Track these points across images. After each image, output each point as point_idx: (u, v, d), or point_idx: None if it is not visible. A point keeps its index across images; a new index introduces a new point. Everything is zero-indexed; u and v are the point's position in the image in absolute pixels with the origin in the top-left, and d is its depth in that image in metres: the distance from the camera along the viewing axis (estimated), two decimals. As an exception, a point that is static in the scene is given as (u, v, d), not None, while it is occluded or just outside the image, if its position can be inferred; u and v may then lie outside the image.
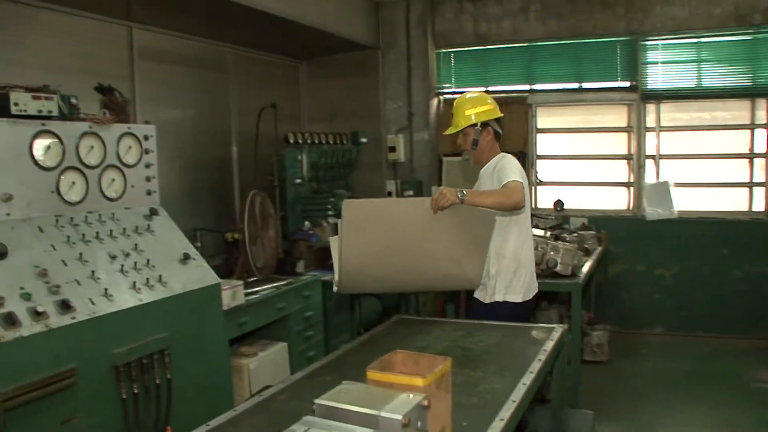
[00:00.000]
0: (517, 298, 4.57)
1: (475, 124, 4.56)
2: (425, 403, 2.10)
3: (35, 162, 4.08)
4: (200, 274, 4.71)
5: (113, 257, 4.24)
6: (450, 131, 4.72)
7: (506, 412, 2.75)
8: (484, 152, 4.66)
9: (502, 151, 4.75)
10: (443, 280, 4.35)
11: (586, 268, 6.00)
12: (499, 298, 4.55)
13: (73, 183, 4.32)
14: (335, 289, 4.17)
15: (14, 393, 3.34)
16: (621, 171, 8.68)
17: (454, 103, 4.66)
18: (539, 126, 8.86)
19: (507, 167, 4.40)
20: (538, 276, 5.54)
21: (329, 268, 6.47)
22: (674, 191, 8.31)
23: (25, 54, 5.33)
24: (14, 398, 3.33)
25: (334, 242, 4.22)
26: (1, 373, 3.27)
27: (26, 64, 5.23)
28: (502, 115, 4.74)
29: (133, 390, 4.01)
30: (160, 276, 4.38)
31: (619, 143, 8.66)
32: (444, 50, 9.06)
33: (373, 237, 3.85)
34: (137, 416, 4.07)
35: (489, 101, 4.66)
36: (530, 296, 4.67)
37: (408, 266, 4.06)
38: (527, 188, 4.39)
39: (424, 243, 3.97)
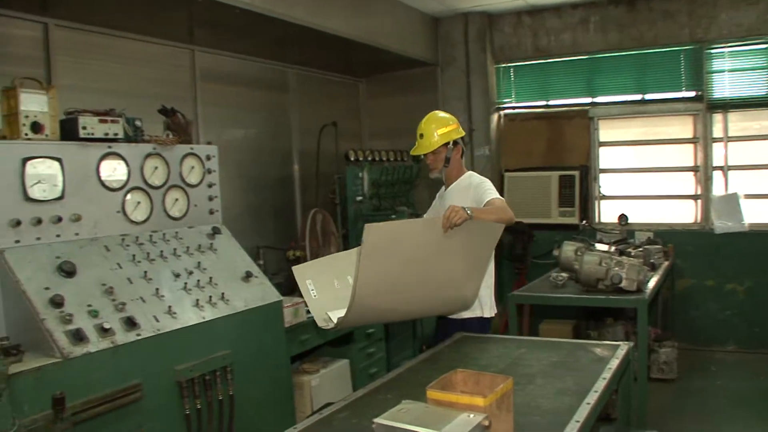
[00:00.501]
0: (492, 313, 4.62)
1: (447, 143, 4.54)
2: (486, 423, 2.07)
3: (102, 183, 4.20)
4: (262, 291, 4.76)
5: (177, 275, 4.32)
6: (422, 151, 4.63)
7: (569, 432, 2.69)
8: (454, 170, 4.68)
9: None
10: (441, 305, 4.30)
11: (652, 284, 5.85)
12: (487, 313, 4.58)
13: (138, 203, 4.42)
14: (328, 326, 3.83)
15: (82, 407, 3.42)
16: (687, 183, 8.45)
17: (422, 125, 4.63)
18: (601, 139, 8.71)
19: (486, 185, 4.44)
20: (602, 292, 5.47)
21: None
22: (744, 203, 8.05)
23: (91, 79, 5.52)
24: (83, 412, 3.41)
25: (301, 275, 3.97)
26: (70, 388, 3.34)
27: (92, 89, 5.39)
28: (464, 134, 4.74)
29: (196, 406, 4.07)
30: (223, 294, 4.44)
31: (685, 155, 8.44)
32: (503, 65, 9.01)
33: (389, 263, 3.57)
34: (200, 431, 4.12)
35: (453, 121, 4.66)
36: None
37: (414, 294, 3.87)
38: None
39: (431, 267, 3.80)
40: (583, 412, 2.87)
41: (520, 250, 8.64)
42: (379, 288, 3.56)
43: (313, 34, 6.39)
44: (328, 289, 3.93)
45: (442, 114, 4.72)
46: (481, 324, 4.55)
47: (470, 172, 4.72)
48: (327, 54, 7.67)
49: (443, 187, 4.81)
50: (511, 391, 2.41)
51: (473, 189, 4.43)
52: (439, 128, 4.54)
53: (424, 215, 5.08)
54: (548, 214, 8.67)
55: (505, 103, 9.08)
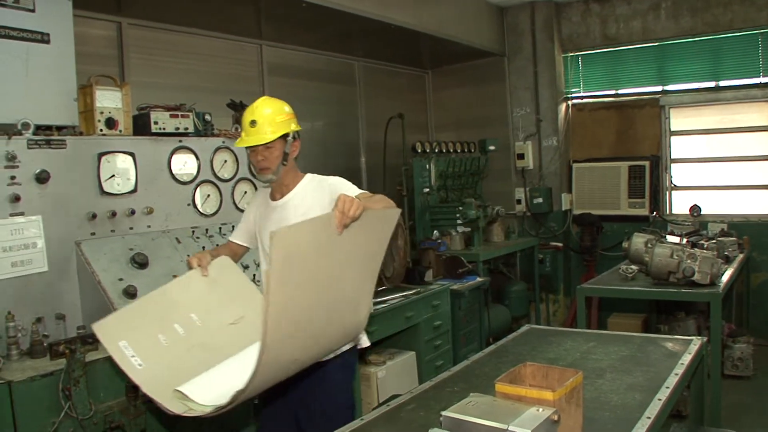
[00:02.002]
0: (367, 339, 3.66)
1: (287, 134, 3.46)
2: (555, 417, 2.04)
3: (173, 176, 4.30)
4: (330, 283, 4.78)
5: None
6: (253, 142, 3.40)
7: (641, 429, 2.59)
8: (290, 173, 3.57)
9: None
10: (342, 337, 3.21)
11: (726, 277, 5.68)
12: (365, 340, 3.61)
13: (208, 196, 4.52)
14: (197, 411, 2.73)
15: (155, 397, 3.49)
16: (763, 173, 8.16)
17: (254, 110, 3.46)
18: (673, 128, 8.48)
19: (347, 183, 3.45)
20: (673, 285, 5.33)
21: (458, 277, 6.49)
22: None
23: (162, 75, 5.65)
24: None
25: (109, 335, 2.85)
26: (143, 378, 3.41)
27: (163, 85, 5.53)
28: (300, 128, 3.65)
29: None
30: (290, 285, 4.47)
31: (762, 143, 8.15)
32: (571, 54, 8.84)
33: (301, 287, 2.63)
34: (270, 421, 4.16)
35: (289, 109, 3.58)
36: None
37: (321, 328, 2.91)
38: None
39: (335, 283, 2.88)
40: (654, 409, 2.79)
41: (589, 242, 8.52)
42: (291, 328, 2.62)
43: (379, 26, 6.40)
44: (155, 351, 2.87)
45: (274, 99, 3.62)
46: (350, 362, 3.55)
47: (311, 174, 3.66)
48: (393, 46, 7.67)
49: (265, 196, 3.65)
50: (580, 385, 2.37)
51: (329, 189, 3.39)
52: (277, 115, 3.45)
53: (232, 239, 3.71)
54: (617, 206, 8.51)
55: (573, 92, 8.92)
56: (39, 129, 3.75)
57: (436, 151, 7.63)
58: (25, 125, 3.64)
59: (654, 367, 3.40)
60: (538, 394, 2.20)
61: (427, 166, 7.50)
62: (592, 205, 8.58)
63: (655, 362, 3.49)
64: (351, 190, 3.27)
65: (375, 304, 5.33)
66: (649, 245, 5.56)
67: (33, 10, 3.76)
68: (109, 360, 3.34)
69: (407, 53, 8.34)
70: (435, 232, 7.10)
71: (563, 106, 8.83)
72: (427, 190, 7.44)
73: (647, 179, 8.28)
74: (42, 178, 3.64)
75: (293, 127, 3.52)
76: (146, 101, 4.42)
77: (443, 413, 2.08)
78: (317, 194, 3.42)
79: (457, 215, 7.33)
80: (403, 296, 5.83)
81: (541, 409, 2.06)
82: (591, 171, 8.66)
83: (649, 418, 2.70)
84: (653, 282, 5.49)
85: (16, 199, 3.54)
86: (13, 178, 3.54)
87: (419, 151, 7.43)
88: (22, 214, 3.59)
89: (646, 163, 8.29)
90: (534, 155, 8.72)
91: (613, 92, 8.62)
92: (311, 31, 6.56)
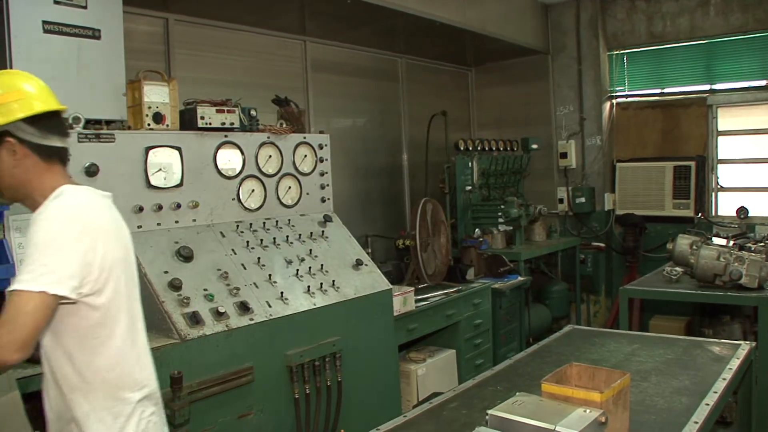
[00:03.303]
0: None
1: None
2: (602, 419, 2.02)
3: (218, 171, 4.34)
4: (372, 279, 4.81)
5: (289, 262, 4.41)
6: None
7: (688, 434, 2.58)
8: (20, 188, 2.36)
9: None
10: None
11: (775, 281, 5.58)
12: None
13: (252, 191, 4.55)
14: None
15: (198, 387, 3.55)
16: (815, 175, 7.97)
17: None
18: (720, 128, 8.31)
19: (39, 243, 2.14)
20: (720, 288, 5.23)
21: (499, 276, 6.47)
22: None
23: (208, 71, 5.71)
24: (198, 391, 3.54)
25: None
26: (187, 368, 3.45)
27: (209, 81, 5.58)
28: (63, 108, 2.51)
29: (305, 391, 4.15)
30: (334, 281, 4.50)
31: (813, 145, 7.95)
32: (616, 52, 8.71)
33: None
34: (308, 416, 4.20)
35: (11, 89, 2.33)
36: None
37: None
38: (97, 262, 2.24)
39: None
40: (702, 414, 2.74)
41: (632, 243, 8.40)
42: None
43: (423, 23, 6.38)
44: None
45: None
46: None
47: (61, 191, 2.30)
48: (437, 43, 7.65)
49: None
50: (628, 387, 2.35)
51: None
52: None
53: None
54: (661, 207, 8.37)
55: (618, 91, 8.79)
56: (89, 123, 3.80)
57: (479, 149, 7.61)
58: (76, 119, 3.70)
59: (701, 371, 3.35)
60: (585, 395, 2.19)
61: (470, 164, 7.48)
62: (636, 205, 8.45)
63: (701, 366, 3.44)
64: (23, 266, 2.13)
65: (416, 301, 5.35)
66: (695, 247, 5.47)
67: (85, 7, 3.82)
68: (155, 352, 3.41)
69: (451, 50, 8.31)
70: (477, 230, 7.08)
71: (607, 105, 8.71)
72: (470, 188, 7.43)
73: (693, 180, 8.13)
74: (91, 171, 3.69)
75: (10, 117, 2.27)
76: (191, 96, 4.46)
77: (490, 412, 2.07)
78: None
79: (499, 214, 7.30)
80: (444, 294, 5.83)
81: (588, 410, 2.04)
82: (635, 171, 8.54)
83: (696, 423, 2.66)
84: (698, 284, 5.40)
85: (66, 192, 3.60)
86: (63, 171, 3.60)
87: (462, 148, 7.41)
88: (71, 206, 3.64)
89: (692, 164, 8.14)
90: (577, 154, 8.64)
91: (658, 91, 8.47)
92: (355, 27, 6.58)
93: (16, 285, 2.08)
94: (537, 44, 8.51)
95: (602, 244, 8.51)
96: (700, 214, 8.14)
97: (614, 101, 8.78)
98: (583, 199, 8.42)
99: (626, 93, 8.72)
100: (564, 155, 8.63)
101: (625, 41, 8.58)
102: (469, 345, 6.10)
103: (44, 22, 3.65)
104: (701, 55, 8.19)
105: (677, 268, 5.73)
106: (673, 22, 8.19)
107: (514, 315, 6.90)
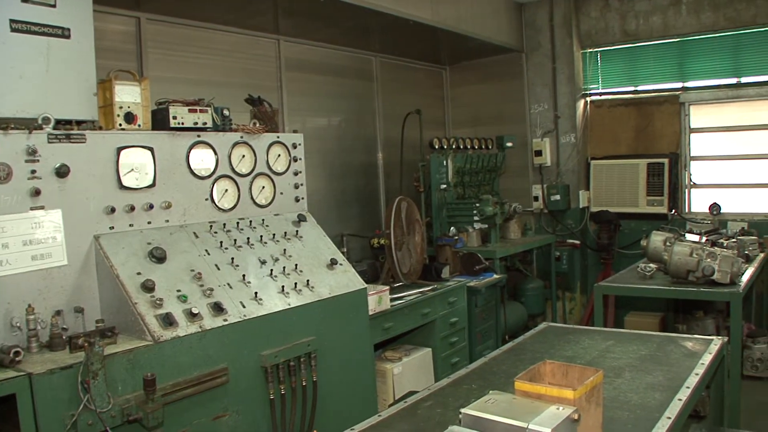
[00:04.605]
0: None
1: None
2: (575, 416, 2.03)
3: (191, 171, 4.31)
4: (347, 279, 4.79)
5: (263, 262, 4.39)
6: None
7: (661, 429, 2.59)
8: None
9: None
10: None
11: (746, 276, 5.62)
12: None
13: (226, 191, 4.52)
14: None
15: (172, 389, 3.52)
16: (786, 171, 8.06)
17: None
18: (693, 125, 8.39)
19: None
20: (693, 284, 5.28)
21: (475, 274, 6.49)
22: None
23: (181, 70, 5.68)
24: (172, 393, 3.52)
25: None
26: (161, 370, 3.44)
27: (181, 80, 5.56)
28: None
29: (280, 391, 4.12)
30: (308, 281, 4.48)
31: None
32: (590, 50, 8.78)
33: None
34: (284, 416, 4.18)
35: None
36: None
37: None
38: None
39: None
40: (674, 409, 2.78)
41: (606, 240, 8.49)
42: None
43: (397, 21, 6.38)
44: None
45: None
46: None
47: None
48: (411, 42, 7.66)
49: None
50: (600, 384, 2.35)
51: None
52: None
53: None
54: (635, 203, 8.45)
55: (592, 89, 8.87)
56: (59, 123, 3.75)
57: (454, 147, 7.62)
58: (46, 120, 3.65)
59: (674, 366, 3.39)
60: (558, 392, 2.19)
61: (445, 162, 7.49)
62: (610, 202, 8.54)
63: (674, 362, 3.48)
64: None
65: (392, 300, 5.35)
66: (668, 243, 5.53)
67: (54, 6, 3.76)
68: (127, 354, 3.39)
69: (425, 49, 8.33)
70: (452, 228, 7.09)
71: (581, 103, 8.79)
72: (444, 186, 7.44)
73: (666, 177, 8.22)
74: (62, 172, 3.65)
75: None
76: (164, 96, 4.42)
77: (462, 410, 2.07)
78: None
79: (474, 212, 7.32)
80: (419, 292, 5.84)
81: (561, 408, 2.04)
82: (609, 168, 8.61)
83: (669, 418, 2.68)
84: (672, 281, 5.46)
85: (37, 193, 3.55)
86: (33, 172, 3.55)
87: (437, 147, 7.42)
88: (42, 208, 3.60)
89: (665, 161, 8.23)
90: (552, 152, 8.70)
91: (632, 89, 8.56)
92: (329, 26, 6.57)
93: None
94: (511, 42, 8.55)
95: (577, 242, 8.58)
96: (673, 211, 8.23)
97: (588, 99, 8.85)
98: (558, 197, 8.47)
99: (600, 91, 8.81)
100: (539, 153, 8.68)
101: (599, 39, 8.66)
102: (445, 343, 6.11)
103: (12, 21, 3.59)
104: (674, 53, 8.30)
105: (651, 265, 5.79)
106: (646, 21, 8.28)
107: (490, 313, 6.92)
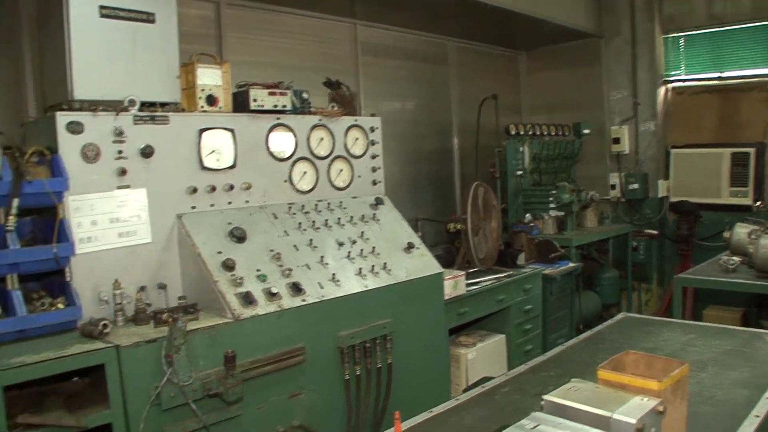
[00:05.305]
0: None
1: None
2: (660, 408, 1.97)
3: (271, 153, 4.36)
4: (423, 263, 4.79)
5: (341, 244, 4.42)
6: None
7: (748, 427, 2.49)
8: None
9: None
10: None
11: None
12: None
13: (305, 173, 4.57)
14: None
15: (250, 366, 3.59)
16: None
17: None
18: (783, 113, 8.06)
19: None
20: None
21: (550, 261, 6.41)
22: None
23: (259, 54, 5.74)
24: (250, 370, 3.59)
25: None
26: (240, 347, 3.50)
27: (260, 64, 5.63)
28: None
29: (355, 372, 4.16)
30: (385, 263, 4.50)
31: None
32: (673, 35, 8.51)
33: None
34: (358, 397, 4.22)
35: None
36: None
37: None
38: None
39: None
40: (763, 407, 2.65)
41: (686, 231, 8.26)
42: None
43: (473, 5, 6.32)
44: None
45: None
46: None
47: None
48: (488, 26, 7.59)
49: None
50: (686, 377, 2.27)
51: None
52: None
53: None
54: (717, 194, 8.19)
55: (674, 75, 8.61)
56: (144, 105, 3.84)
57: (530, 133, 7.52)
58: (132, 102, 3.75)
59: (762, 363, 3.25)
60: (642, 383, 2.13)
61: (521, 148, 7.41)
62: (691, 192, 8.29)
63: (762, 358, 3.34)
64: None
65: (467, 285, 5.33)
66: (754, 236, 5.34)
67: (140, -9, 3.86)
68: (209, 330, 3.46)
69: (501, 34, 8.23)
70: (527, 215, 7.03)
71: (662, 90, 8.54)
72: (521, 172, 7.36)
73: (752, 167, 7.93)
74: (147, 152, 3.74)
75: None
76: (242, 79, 4.49)
77: (545, 397, 2.03)
78: None
79: (551, 199, 7.22)
80: (495, 278, 5.80)
81: (645, 399, 1.99)
82: (690, 157, 8.37)
83: (757, 416, 2.57)
84: (757, 275, 5.27)
85: (123, 172, 3.66)
86: (120, 152, 3.66)
87: (513, 133, 7.34)
88: (128, 187, 3.70)
89: (751, 150, 7.93)
90: (630, 140, 8.50)
91: (716, 75, 8.27)
92: (405, 10, 6.55)
93: None
94: (589, 27, 8.37)
95: (655, 232, 8.38)
96: (759, 203, 7.92)
97: (669, 86, 8.58)
98: (636, 186, 8.29)
99: (682, 77, 8.52)
100: (617, 140, 8.49)
101: (683, 23, 8.36)
102: (519, 330, 6.06)
103: (101, 7, 3.70)
104: (763, 37, 7.92)
105: (735, 258, 5.60)
106: (735, 3, 7.94)
107: (565, 301, 6.82)
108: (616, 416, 1.89)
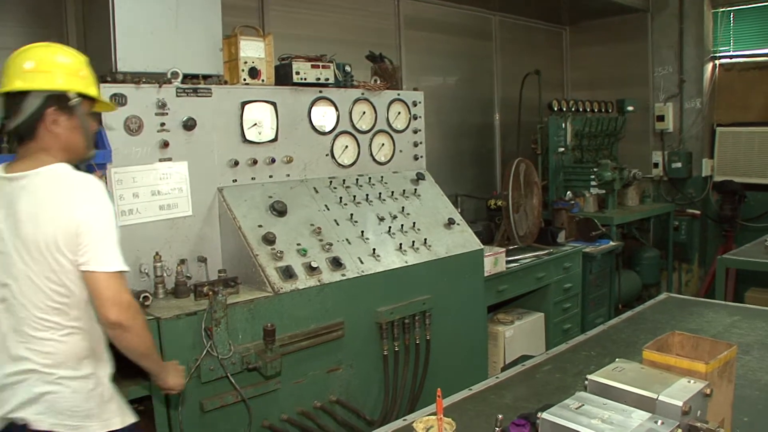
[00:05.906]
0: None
1: (62, 94, 2.35)
2: (707, 391, 1.93)
3: (313, 126, 4.35)
4: (463, 239, 4.76)
5: (381, 219, 4.41)
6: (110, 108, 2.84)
7: (796, 413, 2.45)
8: (53, 149, 2.37)
9: None
10: None
11: None
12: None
13: (346, 147, 4.56)
14: None
15: (289, 340, 3.61)
16: None
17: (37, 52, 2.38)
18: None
19: (97, 227, 2.28)
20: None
21: (590, 240, 6.34)
22: None
23: (301, 27, 5.70)
24: (289, 344, 3.60)
25: None
26: (279, 321, 3.52)
27: (301, 37, 5.58)
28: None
29: (394, 348, 4.17)
30: (425, 239, 4.48)
31: None
32: (722, 9, 8.28)
33: None
34: (396, 373, 4.22)
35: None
36: None
37: None
38: None
39: None
40: (809, 394, 2.62)
41: (729, 211, 8.08)
42: None
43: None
44: None
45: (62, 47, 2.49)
46: None
47: (60, 166, 2.35)
48: (531, 0, 7.46)
49: None
50: (734, 359, 2.23)
51: (75, 218, 2.25)
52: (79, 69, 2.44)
53: None
54: (764, 174, 8.01)
55: (722, 51, 8.39)
56: (186, 78, 3.84)
57: (573, 109, 7.42)
58: (174, 74, 3.75)
59: (813, 347, 3.18)
60: (689, 365, 2.09)
61: (563, 125, 7.30)
62: (736, 172, 8.11)
63: (814, 342, 3.27)
64: (104, 254, 2.28)
65: (507, 262, 5.29)
66: (800, 217, 5.23)
67: (184, -39, 3.84)
68: (248, 304, 3.48)
69: (545, 8, 8.09)
70: (568, 192, 6.94)
71: (709, 66, 8.33)
72: (562, 149, 7.26)
73: (801, 147, 7.74)
74: (189, 125, 3.75)
75: (83, 88, 2.45)
76: (285, 52, 4.46)
77: (589, 377, 2.00)
78: (55, 199, 2.27)
79: (592, 176, 7.11)
80: (534, 256, 5.75)
81: (692, 381, 1.95)
82: (737, 136, 8.18)
83: (804, 402, 2.52)
84: (805, 257, 5.16)
85: (165, 145, 3.67)
86: (162, 125, 3.67)
87: (555, 109, 7.24)
88: (170, 159, 3.72)
89: (801, 130, 7.74)
90: (675, 117, 8.32)
91: (767, 51, 8.04)
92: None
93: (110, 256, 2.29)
94: (636, 2, 8.18)
95: (697, 212, 8.22)
96: (808, 184, 7.75)
97: (717, 62, 8.38)
98: (679, 164, 8.13)
99: (731, 53, 8.30)
100: (661, 118, 8.32)
101: (734, -3, 8.13)
102: (558, 309, 6.01)
103: (145, -22, 3.69)
104: (817, 12, 7.67)
105: (780, 240, 5.49)
106: (788, -23, 7.70)
107: (604, 280, 6.75)
108: (661, 398, 1.85)
